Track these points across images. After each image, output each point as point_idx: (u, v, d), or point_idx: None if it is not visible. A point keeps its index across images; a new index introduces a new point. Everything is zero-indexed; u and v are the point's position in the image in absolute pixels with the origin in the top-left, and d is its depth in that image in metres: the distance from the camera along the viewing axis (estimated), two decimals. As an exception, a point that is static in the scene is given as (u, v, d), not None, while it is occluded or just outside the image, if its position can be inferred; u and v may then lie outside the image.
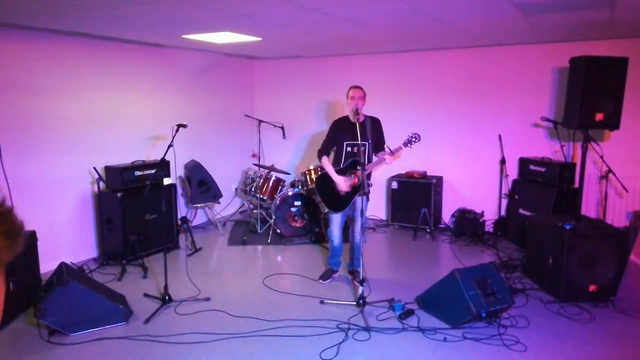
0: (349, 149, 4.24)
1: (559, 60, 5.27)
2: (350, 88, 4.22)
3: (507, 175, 5.87)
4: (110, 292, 3.86)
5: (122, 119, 5.40)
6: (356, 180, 4.18)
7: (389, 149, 4.11)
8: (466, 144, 6.14)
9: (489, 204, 6.02)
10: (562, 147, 5.35)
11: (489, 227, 5.92)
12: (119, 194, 4.82)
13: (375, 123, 4.29)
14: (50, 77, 4.67)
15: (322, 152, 4.31)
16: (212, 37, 4.77)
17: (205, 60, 6.35)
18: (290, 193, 5.75)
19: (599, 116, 4.30)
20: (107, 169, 4.95)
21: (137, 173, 5.03)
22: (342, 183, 4.15)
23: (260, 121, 6.68)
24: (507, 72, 5.79)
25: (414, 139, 4.09)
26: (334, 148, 4.35)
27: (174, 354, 3.27)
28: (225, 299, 4.14)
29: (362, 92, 4.18)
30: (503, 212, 5.96)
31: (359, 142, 4.02)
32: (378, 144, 4.29)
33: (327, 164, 4.27)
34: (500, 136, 5.87)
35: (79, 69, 4.92)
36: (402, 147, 4.12)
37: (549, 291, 4.17)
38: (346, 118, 4.32)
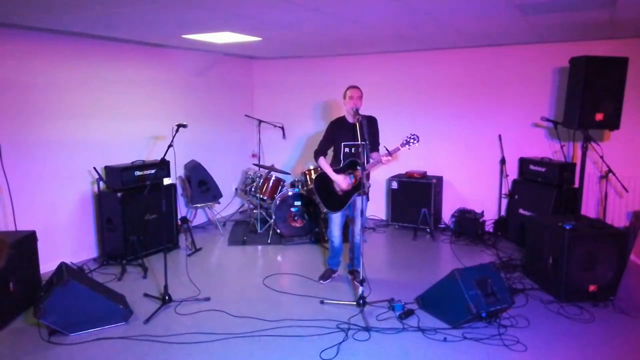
0: (347, 149, 4.23)
1: (559, 60, 5.27)
2: (349, 88, 4.20)
3: (507, 175, 5.87)
4: (110, 292, 3.86)
5: (122, 119, 5.40)
6: (355, 180, 4.18)
7: (387, 150, 4.07)
8: (466, 144, 6.14)
9: (489, 204, 6.02)
10: (562, 147, 5.35)
11: (489, 227, 5.93)
12: (119, 194, 4.82)
13: (371, 122, 4.26)
14: (50, 77, 4.67)
15: (319, 152, 4.28)
16: (212, 37, 4.77)
17: (205, 60, 6.34)
18: (290, 193, 5.75)
19: (599, 116, 4.30)
20: (107, 169, 4.95)
21: (137, 173, 5.03)
22: (342, 182, 4.14)
23: (260, 121, 6.68)
24: (507, 72, 5.79)
25: (412, 140, 4.04)
26: (332, 149, 4.33)
27: (174, 354, 3.27)
28: (225, 299, 4.14)
29: (361, 92, 4.17)
30: (503, 212, 5.96)
31: (359, 142, 4.01)
32: (373, 143, 4.25)
33: (324, 164, 4.25)
34: (500, 136, 5.88)
35: (79, 69, 4.92)
36: (400, 148, 4.07)
37: (549, 291, 4.17)
38: (343, 118, 4.30)
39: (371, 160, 4.25)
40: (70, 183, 4.95)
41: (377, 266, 4.96)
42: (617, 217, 5.30)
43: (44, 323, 3.42)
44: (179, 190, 6.09)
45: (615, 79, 4.27)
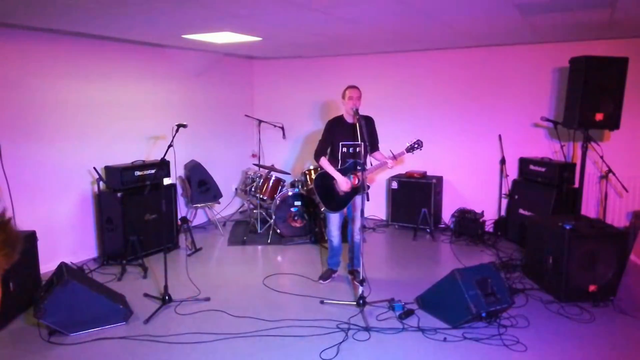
0: (344, 149, 4.23)
1: (559, 60, 5.27)
2: (348, 88, 4.20)
3: (507, 175, 5.87)
4: (110, 292, 3.86)
5: (122, 119, 5.40)
6: (356, 181, 4.18)
7: (392, 154, 4.12)
8: (466, 144, 6.14)
9: (489, 204, 6.02)
10: (562, 147, 5.35)
11: (489, 227, 5.92)
12: (119, 194, 4.82)
13: (369, 122, 4.26)
14: (50, 77, 4.67)
15: (320, 153, 4.28)
16: (212, 37, 4.77)
17: (205, 60, 6.34)
18: (290, 193, 5.75)
19: (599, 116, 4.30)
20: (107, 169, 4.95)
21: (137, 173, 5.03)
22: (344, 183, 4.14)
23: (260, 121, 6.68)
24: (507, 72, 5.79)
25: (416, 146, 4.14)
26: (330, 148, 4.33)
27: (174, 354, 3.27)
28: (225, 299, 4.14)
29: (360, 92, 4.17)
30: (503, 212, 5.96)
31: (358, 142, 4.01)
32: (372, 143, 4.27)
33: (327, 164, 4.24)
34: (500, 136, 5.87)
35: (79, 69, 4.92)
36: (405, 152, 4.16)
37: (549, 291, 4.16)
38: (341, 118, 4.30)
39: (372, 160, 4.26)
40: (70, 183, 4.95)
41: (377, 266, 4.96)
42: (617, 217, 5.30)
43: (44, 323, 3.41)
44: (179, 190, 6.09)
45: (615, 79, 4.27)
